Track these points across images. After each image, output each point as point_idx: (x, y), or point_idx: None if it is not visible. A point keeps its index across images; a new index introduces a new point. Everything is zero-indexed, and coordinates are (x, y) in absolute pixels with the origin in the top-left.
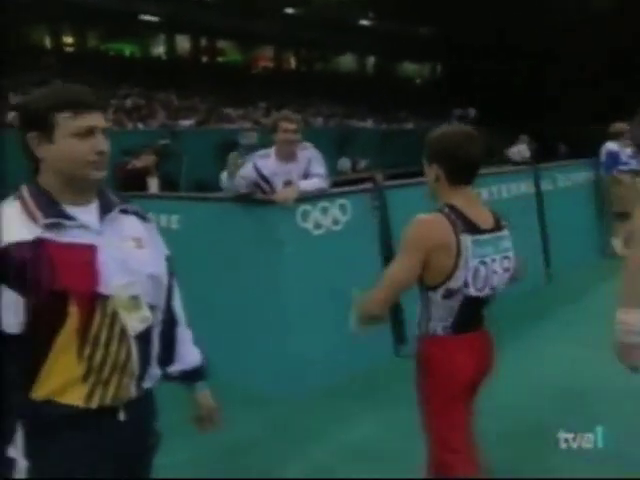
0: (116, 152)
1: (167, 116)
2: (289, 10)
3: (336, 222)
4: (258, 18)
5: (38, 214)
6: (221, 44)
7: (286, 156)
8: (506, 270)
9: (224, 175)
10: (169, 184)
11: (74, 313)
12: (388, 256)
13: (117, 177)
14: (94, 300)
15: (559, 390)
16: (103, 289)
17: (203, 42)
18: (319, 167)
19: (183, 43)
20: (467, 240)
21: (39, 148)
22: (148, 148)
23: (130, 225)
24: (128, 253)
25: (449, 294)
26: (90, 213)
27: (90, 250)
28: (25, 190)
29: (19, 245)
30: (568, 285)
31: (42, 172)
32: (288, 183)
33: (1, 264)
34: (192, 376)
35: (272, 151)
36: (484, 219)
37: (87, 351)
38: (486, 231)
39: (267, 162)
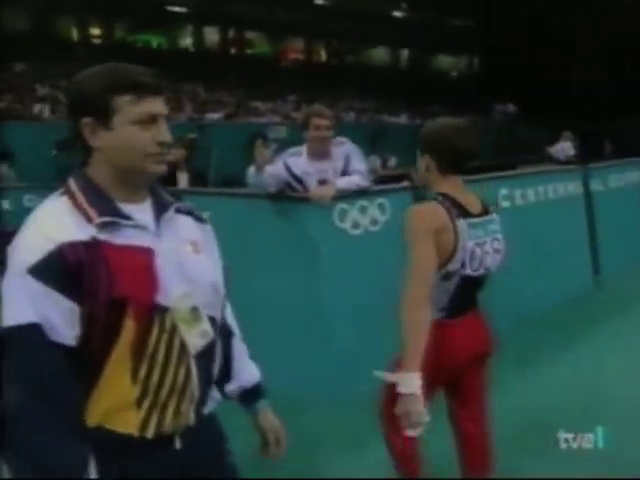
0: None
1: (194, 109)
2: (319, 1)
3: (374, 222)
4: (288, 9)
5: (91, 212)
6: (250, 35)
7: (319, 154)
8: (496, 251)
9: (251, 170)
10: (198, 179)
11: (129, 326)
12: None
13: None
14: (152, 311)
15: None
16: (162, 299)
17: (231, 33)
18: (359, 163)
19: (211, 35)
20: (462, 224)
21: (93, 136)
22: (177, 142)
23: (186, 226)
24: (185, 258)
25: (447, 276)
26: (145, 212)
27: (148, 254)
28: (73, 184)
29: (73, 245)
30: (618, 292)
31: (93, 163)
32: (323, 182)
33: (55, 266)
34: (252, 395)
35: (303, 149)
36: (473, 205)
37: (143, 371)
38: (476, 215)
39: (298, 161)
